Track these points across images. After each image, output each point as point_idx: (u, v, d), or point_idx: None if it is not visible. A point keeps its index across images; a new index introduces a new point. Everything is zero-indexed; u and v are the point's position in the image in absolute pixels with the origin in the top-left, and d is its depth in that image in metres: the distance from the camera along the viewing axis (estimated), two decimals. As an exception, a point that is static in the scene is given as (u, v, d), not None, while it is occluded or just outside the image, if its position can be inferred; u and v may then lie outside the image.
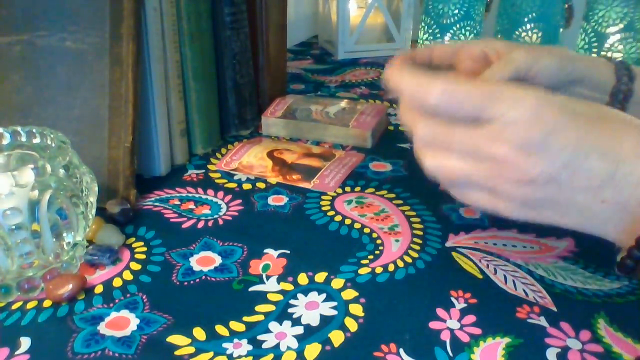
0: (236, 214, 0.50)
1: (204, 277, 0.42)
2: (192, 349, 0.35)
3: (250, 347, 0.35)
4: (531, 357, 0.34)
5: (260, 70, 0.68)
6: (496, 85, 0.35)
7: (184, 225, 0.48)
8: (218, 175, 0.57)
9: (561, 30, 0.94)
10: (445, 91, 0.35)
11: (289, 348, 0.35)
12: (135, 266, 0.43)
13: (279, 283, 0.41)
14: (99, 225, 0.45)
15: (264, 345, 0.35)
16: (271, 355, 0.35)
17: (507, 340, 0.36)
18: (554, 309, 0.38)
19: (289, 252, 0.45)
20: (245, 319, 0.38)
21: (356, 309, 0.38)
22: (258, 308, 0.39)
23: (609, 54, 0.91)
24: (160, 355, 0.35)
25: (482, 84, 0.35)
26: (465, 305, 0.39)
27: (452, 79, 0.36)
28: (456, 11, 0.99)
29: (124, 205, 0.48)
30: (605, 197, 0.32)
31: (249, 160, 0.60)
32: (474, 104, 0.34)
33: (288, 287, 0.41)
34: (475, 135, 0.34)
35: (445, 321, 0.37)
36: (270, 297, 0.40)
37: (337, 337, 0.36)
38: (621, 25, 0.89)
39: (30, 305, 0.39)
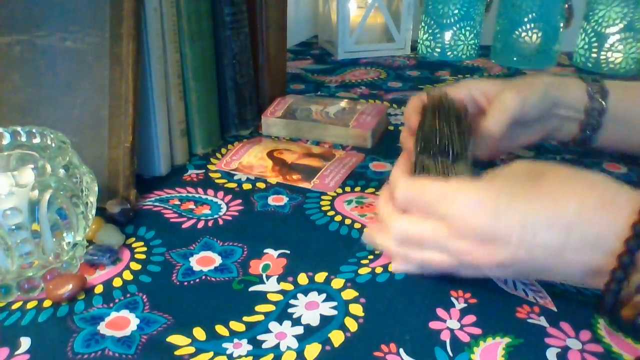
0: (236, 214, 0.50)
1: (204, 277, 0.42)
2: (192, 349, 0.35)
3: (250, 347, 0.35)
4: (531, 357, 0.34)
5: (260, 70, 0.68)
6: (443, 183, 0.38)
7: (184, 225, 0.48)
8: (218, 175, 0.57)
9: (561, 30, 0.94)
10: (406, 188, 0.39)
11: (289, 348, 0.35)
12: (135, 266, 0.43)
13: (279, 283, 0.41)
14: (99, 225, 0.45)
15: (264, 345, 0.35)
16: (271, 355, 0.35)
17: (507, 340, 0.36)
18: (554, 309, 0.38)
19: (289, 252, 0.45)
20: (245, 319, 0.38)
21: (356, 309, 0.38)
22: (258, 308, 0.39)
23: (609, 54, 0.91)
24: (160, 355, 0.35)
25: (435, 182, 0.39)
26: (465, 305, 0.39)
27: (414, 178, 0.41)
28: (456, 11, 0.99)
29: (124, 205, 0.48)
30: (570, 259, 0.34)
31: (249, 160, 0.60)
32: (426, 202, 0.38)
33: (288, 287, 0.41)
34: (439, 233, 0.38)
35: (445, 321, 0.37)
36: (270, 297, 0.40)
37: (337, 337, 0.36)
38: (621, 25, 0.89)
39: (30, 305, 0.39)
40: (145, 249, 0.45)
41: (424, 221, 0.38)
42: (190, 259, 0.44)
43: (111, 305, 0.39)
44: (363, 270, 0.42)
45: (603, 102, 0.53)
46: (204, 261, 0.44)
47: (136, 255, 0.44)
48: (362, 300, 0.39)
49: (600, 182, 0.35)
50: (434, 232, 0.38)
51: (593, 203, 0.34)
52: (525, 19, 0.93)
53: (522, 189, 0.36)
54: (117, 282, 0.41)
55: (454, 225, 0.37)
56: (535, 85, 0.51)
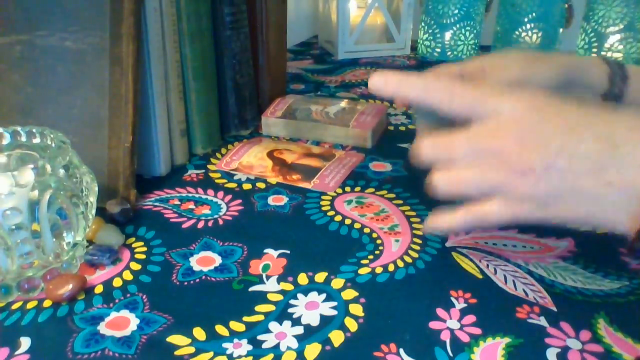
0: (236, 214, 0.50)
1: (204, 277, 0.42)
2: (192, 349, 0.35)
3: (250, 347, 0.35)
4: (531, 357, 0.34)
5: (260, 70, 0.68)
6: (487, 86, 0.36)
7: (184, 225, 0.48)
8: (218, 175, 0.57)
9: (561, 30, 0.94)
10: (446, 88, 0.36)
11: (289, 348, 0.35)
12: (135, 266, 0.43)
13: (279, 283, 0.41)
14: (99, 225, 0.45)
15: (264, 345, 0.35)
16: (271, 355, 0.35)
17: (507, 340, 0.36)
18: (554, 309, 0.38)
19: (289, 252, 0.45)
20: (245, 319, 0.38)
21: (356, 309, 0.38)
22: (258, 308, 0.39)
23: (609, 54, 0.91)
24: (160, 355, 0.35)
25: (476, 85, 0.37)
26: (465, 305, 0.39)
27: (451, 80, 0.37)
28: (456, 11, 0.99)
29: (124, 205, 0.48)
30: (610, 179, 0.32)
31: (249, 160, 0.60)
32: (469, 102, 0.36)
33: (288, 287, 0.41)
34: (473, 136, 0.35)
35: (445, 321, 0.37)
36: (270, 297, 0.40)
37: (337, 337, 0.36)
38: (621, 25, 0.89)
39: (30, 305, 0.39)
40: (145, 249, 0.45)
41: (453, 134, 0.37)
42: (190, 259, 0.44)
43: (111, 305, 0.39)
44: (363, 270, 0.42)
45: (622, 88, 0.50)
46: (204, 261, 0.44)
47: (136, 255, 0.44)
48: (362, 300, 0.39)
49: (618, 158, 0.33)
50: (465, 135, 0.36)
51: None
52: (525, 19, 0.93)
53: (572, 103, 0.35)
54: (117, 282, 0.41)
55: (492, 124, 0.35)
56: (550, 62, 0.48)
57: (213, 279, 0.42)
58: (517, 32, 0.95)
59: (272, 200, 0.52)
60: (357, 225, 0.48)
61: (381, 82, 0.40)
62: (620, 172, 0.32)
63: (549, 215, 0.35)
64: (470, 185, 0.36)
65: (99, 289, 0.41)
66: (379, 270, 0.42)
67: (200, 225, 0.48)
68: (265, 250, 0.45)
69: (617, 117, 0.34)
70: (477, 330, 0.36)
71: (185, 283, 0.41)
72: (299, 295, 0.40)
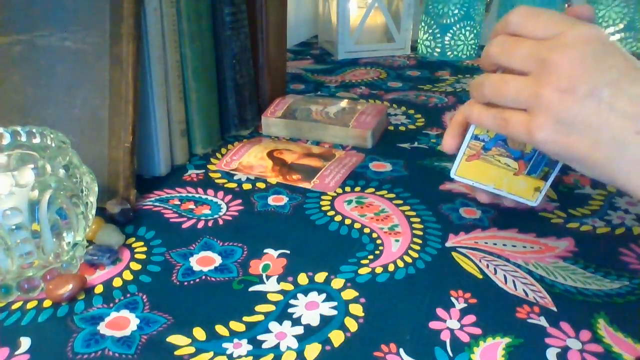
0: (236, 214, 0.50)
1: (204, 277, 0.42)
2: (192, 349, 0.35)
3: (250, 347, 0.35)
4: (531, 357, 0.34)
5: (260, 70, 0.68)
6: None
7: (184, 225, 0.48)
8: (218, 175, 0.57)
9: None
10: (526, 11, 0.36)
11: (289, 348, 0.35)
12: (135, 266, 0.43)
13: (279, 283, 0.41)
14: (99, 225, 0.45)
15: (264, 345, 0.35)
16: (271, 355, 0.35)
17: (507, 340, 0.36)
18: (554, 309, 0.38)
19: (289, 252, 0.45)
20: (245, 319, 0.38)
21: (356, 309, 0.38)
22: (258, 308, 0.39)
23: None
24: (160, 355, 0.35)
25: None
26: (465, 305, 0.39)
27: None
28: (456, 11, 0.99)
29: (124, 205, 0.48)
30: None
31: (249, 160, 0.60)
32: (550, 24, 0.35)
33: (288, 287, 0.41)
34: (538, 44, 0.35)
35: (445, 321, 0.37)
36: (270, 297, 0.40)
37: (337, 337, 0.36)
38: (621, 25, 0.89)
39: (30, 305, 0.39)
40: (145, 249, 0.45)
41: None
42: (190, 259, 0.44)
43: (111, 305, 0.39)
44: (363, 270, 0.42)
45: None
46: (204, 261, 0.44)
47: (136, 255, 0.44)
48: (362, 300, 0.39)
49: None
50: (534, 41, 0.35)
51: None
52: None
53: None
54: (117, 282, 0.41)
55: (561, 40, 0.34)
56: None
57: (213, 279, 0.42)
58: (517, 32, 0.94)
59: (272, 200, 0.52)
60: (357, 225, 0.48)
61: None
62: None
63: (564, 144, 0.33)
64: (512, 88, 0.35)
65: (99, 289, 0.41)
66: (379, 270, 0.42)
67: (200, 225, 0.48)
68: (265, 250, 0.45)
69: None
70: (477, 330, 0.36)
71: (185, 283, 0.41)
72: (299, 295, 0.40)
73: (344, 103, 0.69)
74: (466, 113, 0.39)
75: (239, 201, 0.52)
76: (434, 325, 0.37)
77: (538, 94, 0.34)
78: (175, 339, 0.36)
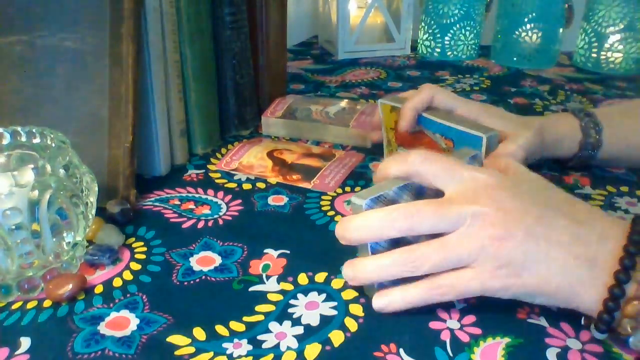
0: (236, 214, 0.50)
1: (204, 277, 0.42)
2: (192, 349, 0.35)
3: (250, 347, 0.35)
4: (531, 357, 0.34)
5: (260, 70, 0.68)
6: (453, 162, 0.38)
7: (184, 225, 0.48)
8: (218, 175, 0.57)
9: (561, 30, 0.94)
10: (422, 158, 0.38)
11: (289, 348, 0.35)
12: (135, 266, 0.43)
13: (279, 283, 0.41)
14: (99, 225, 0.45)
15: (264, 345, 0.35)
16: (271, 355, 0.35)
17: (507, 340, 0.36)
18: (554, 309, 0.38)
19: (289, 252, 0.45)
20: (245, 319, 0.38)
21: (356, 309, 0.38)
22: (258, 308, 0.39)
23: (609, 54, 0.91)
24: (160, 355, 0.35)
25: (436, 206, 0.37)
26: (465, 305, 0.39)
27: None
28: (456, 11, 0.99)
29: (124, 205, 0.48)
30: (578, 253, 0.34)
31: (249, 160, 0.60)
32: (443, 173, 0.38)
33: (288, 287, 0.41)
34: (452, 203, 0.36)
35: (445, 321, 0.37)
36: (270, 297, 0.40)
37: (337, 337, 0.36)
38: (621, 25, 0.89)
39: (30, 305, 0.39)
40: (145, 249, 0.45)
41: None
42: (190, 259, 0.44)
43: (111, 305, 0.39)
44: (363, 270, 0.42)
45: (601, 137, 0.55)
46: (204, 261, 0.44)
47: (136, 255, 0.44)
48: (362, 300, 0.39)
49: (582, 235, 0.35)
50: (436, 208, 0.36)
51: (574, 262, 0.34)
52: (525, 19, 0.93)
53: (537, 184, 0.39)
54: (117, 282, 0.41)
55: (479, 185, 0.37)
56: (528, 128, 0.53)
57: (213, 279, 0.42)
58: (517, 32, 0.95)
59: (272, 200, 0.52)
60: (357, 225, 0.48)
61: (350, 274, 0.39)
62: (584, 248, 0.34)
63: (524, 284, 0.35)
64: (453, 251, 0.35)
65: (99, 289, 0.41)
66: (379, 270, 0.42)
67: (200, 225, 0.48)
68: (265, 250, 0.45)
69: (571, 200, 0.38)
70: (477, 330, 0.36)
71: (185, 283, 0.41)
72: (299, 295, 0.40)
73: (344, 103, 0.69)
74: (407, 300, 0.37)
75: (239, 201, 0.52)
76: (434, 325, 0.37)
77: (481, 247, 0.35)
78: (175, 339, 0.36)
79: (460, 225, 0.35)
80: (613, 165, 0.58)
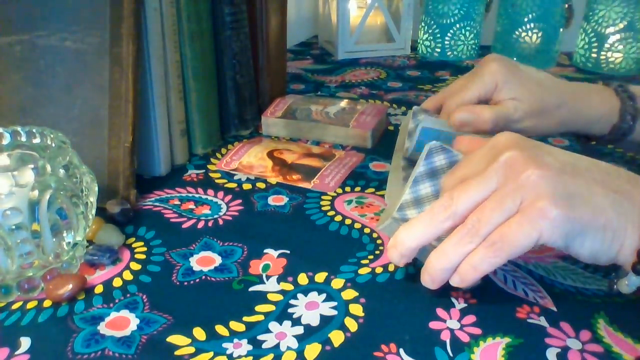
0: (236, 214, 0.50)
1: (204, 277, 0.42)
2: (192, 349, 0.35)
3: (250, 347, 0.35)
4: (531, 357, 0.34)
5: (260, 70, 0.68)
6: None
7: (184, 225, 0.48)
8: (218, 175, 0.57)
9: (561, 30, 0.94)
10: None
11: (289, 348, 0.35)
12: (135, 266, 0.43)
13: (279, 283, 0.41)
14: (99, 225, 0.45)
15: (264, 345, 0.35)
16: (271, 355, 0.35)
17: (507, 340, 0.36)
18: (554, 309, 0.38)
19: (289, 252, 0.45)
20: (245, 319, 0.38)
21: (356, 309, 0.38)
22: (258, 308, 0.39)
23: (609, 54, 0.91)
24: (160, 355, 0.35)
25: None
26: (465, 305, 0.39)
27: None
28: (456, 11, 0.99)
29: (124, 205, 0.48)
30: (616, 187, 0.34)
31: (249, 160, 0.60)
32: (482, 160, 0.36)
33: (288, 287, 0.41)
34: (498, 196, 0.35)
35: (445, 321, 0.37)
36: (270, 297, 0.40)
37: (337, 337, 0.36)
38: (621, 25, 0.89)
39: (30, 305, 0.39)
40: (145, 249, 0.45)
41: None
42: (190, 259, 0.44)
43: (111, 305, 0.39)
44: (363, 270, 0.42)
45: (632, 124, 0.51)
46: (204, 261, 0.44)
47: (136, 255, 0.44)
48: (362, 300, 0.39)
49: (613, 177, 0.34)
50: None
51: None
52: (525, 19, 0.93)
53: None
54: (117, 282, 0.41)
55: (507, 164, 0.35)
56: (550, 117, 0.51)
57: (213, 279, 0.42)
58: (517, 32, 0.95)
59: (272, 200, 0.52)
60: (357, 226, 0.48)
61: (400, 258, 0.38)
62: (620, 183, 0.34)
63: (576, 216, 0.33)
64: (503, 203, 0.34)
65: (99, 289, 0.41)
66: (379, 270, 0.42)
67: (200, 225, 0.48)
68: (265, 250, 0.45)
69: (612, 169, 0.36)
70: (477, 330, 0.36)
71: (185, 283, 0.41)
72: (299, 295, 0.40)
73: (344, 103, 0.69)
74: (470, 271, 0.35)
75: (239, 201, 0.52)
76: (434, 325, 0.37)
77: (522, 186, 0.33)
78: (175, 339, 0.36)
79: (498, 178, 0.34)
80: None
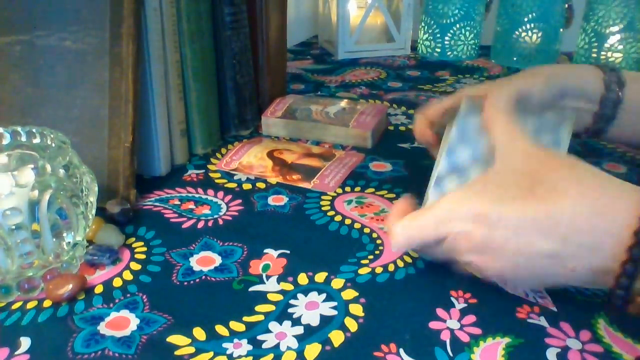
0: (236, 214, 0.50)
1: (204, 277, 0.42)
2: (192, 349, 0.35)
3: (250, 347, 0.35)
4: (531, 357, 0.34)
5: (260, 70, 0.68)
6: (440, 208, 0.38)
7: (184, 225, 0.48)
8: (218, 175, 0.57)
9: (561, 30, 0.94)
10: (406, 238, 0.39)
11: (289, 348, 0.35)
12: (135, 266, 0.43)
13: (279, 283, 0.41)
14: (99, 225, 0.45)
15: (264, 345, 0.35)
16: (271, 355, 0.35)
17: (507, 340, 0.36)
18: (554, 309, 0.38)
19: (289, 252, 0.45)
20: (245, 319, 0.38)
21: (356, 309, 0.38)
22: (258, 308, 0.39)
23: (609, 54, 0.91)
24: (160, 355, 0.35)
25: (427, 212, 0.39)
26: (465, 305, 0.39)
27: (407, 223, 0.39)
28: (456, 11, 0.99)
29: (124, 205, 0.48)
30: (573, 266, 0.34)
31: (249, 160, 0.60)
32: (430, 235, 0.38)
33: (288, 287, 0.41)
34: (447, 252, 0.38)
35: (445, 321, 0.37)
36: (270, 297, 0.40)
37: (337, 337, 0.36)
38: (621, 25, 0.89)
39: (30, 305, 0.39)
40: (145, 249, 0.45)
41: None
42: (190, 259, 0.44)
43: (111, 305, 0.39)
44: (363, 270, 0.42)
45: (619, 93, 0.50)
46: (204, 261, 0.44)
47: (136, 255, 0.44)
48: (362, 300, 0.39)
49: (597, 186, 0.34)
50: (443, 253, 0.39)
51: (587, 211, 0.33)
52: (525, 19, 0.93)
53: (513, 199, 0.35)
54: (117, 282, 0.41)
55: (452, 243, 0.37)
56: (537, 75, 0.49)
57: (213, 279, 0.42)
58: (517, 32, 0.95)
59: (272, 200, 0.52)
60: (357, 225, 0.48)
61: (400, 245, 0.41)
62: (577, 260, 0.33)
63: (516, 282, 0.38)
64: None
65: (99, 289, 0.41)
66: (379, 270, 0.42)
67: (200, 225, 0.48)
68: (265, 250, 0.45)
69: (558, 202, 0.34)
70: (477, 330, 0.36)
71: (185, 283, 0.41)
72: (299, 295, 0.40)
73: (344, 103, 0.69)
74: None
75: (239, 201, 0.52)
76: (434, 325, 0.37)
77: (469, 266, 0.38)
78: (175, 339, 0.36)
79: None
80: (625, 139, 0.54)
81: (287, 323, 0.37)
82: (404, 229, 0.39)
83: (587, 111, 0.51)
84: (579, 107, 0.50)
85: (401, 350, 0.35)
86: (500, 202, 0.35)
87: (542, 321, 0.37)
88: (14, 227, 0.37)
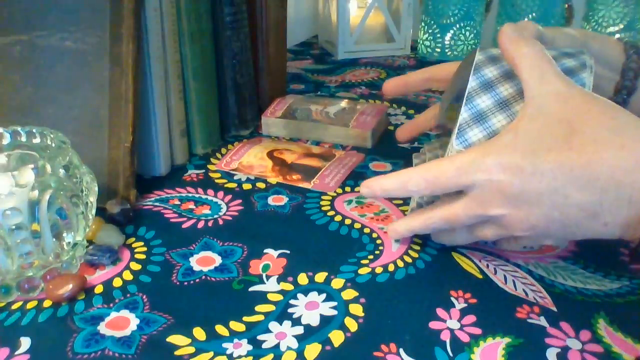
0: (236, 214, 0.50)
1: (204, 277, 0.42)
2: (192, 349, 0.35)
3: (250, 347, 0.35)
4: (531, 357, 0.34)
5: (260, 70, 0.68)
6: (463, 157, 0.37)
7: (184, 225, 0.48)
8: (218, 175, 0.57)
9: (561, 30, 0.94)
10: (422, 179, 0.38)
11: (289, 348, 0.35)
12: (135, 266, 0.43)
13: (279, 283, 0.41)
14: (99, 225, 0.45)
15: (264, 345, 0.35)
16: (271, 355, 0.35)
17: (507, 340, 0.36)
18: (554, 309, 0.38)
19: (289, 252, 0.45)
20: (245, 319, 0.38)
21: (356, 309, 0.38)
22: (258, 308, 0.39)
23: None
24: (160, 355, 0.35)
25: (451, 161, 0.37)
26: (465, 305, 0.39)
27: (424, 166, 0.38)
28: (456, 11, 0.99)
29: (124, 205, 0.48)
30: (606, 221, 0.33)
31: (249, 160, 0.60)
32: (450, 182, 0.37)
33: (288, 287, 0.41)
34: (469, 208, 0.37)
35: (445, 321, 0.37)
36: (270, 297, 0.40)
37: (337, 337, 0.36)
38: (621, 25, 0.89)
39: (30, 305, 0.39)
40: (145, 249, 0.45)
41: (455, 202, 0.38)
42: (190, 259, 0.44)
43: (111, 305, 0.39)
44: (363, 270, 0.42)
45: (634, 81, 0.48)
46: (204, 261, 0.44)
47: (136, 255, 0.44)
48: (362, 300, 0.39)
49: (637, 138, 0.32)
50: (463, 209, 0.37)
51: (625, 165, 0.32)
52: (525, 19, 0.93)
53: (548, 150, 0.33)
54: (117, 282, 0.41)
55: (482, 194, 0.36)
56: (558, 31, 0.47)
57: (213, 279, 0.42)
58: (517, 32, 0.94)
59: (272, 200, 0.52)
60: (357, 225, 0.48)
61: (370, 192, 0.42)
62: (612, 215, 0.33)
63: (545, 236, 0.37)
64: (476, 238, 0.40)
65: (99, 289, 0.41)
66: (379, 270, 0.42)
67: (200, 225, 0.48)
68: (265, 250, 0.45)
69: (598, 154, 0.33)
70: (477, 330, 0.36)
71: (185, 283, 0.41)
72: (299, 295, 0.40)
73: (344, 103, 0.69)
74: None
75: (239, 201, 0.52)
76: (434, 325, 0.37)
77: (498, 221, 0.38)
78: (175, 339, 0.36)
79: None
80: None
81: (287, 323, 0.37)
82: (420, 172, 0.37)
83: (609, 80, 0.49)
84: (602, 76, 0.48)
85: (401, 350, 0.35)
86: (534, 154, 0.34)
87: (542, 321, 0.37)
88: (14, 227, 0.37)
